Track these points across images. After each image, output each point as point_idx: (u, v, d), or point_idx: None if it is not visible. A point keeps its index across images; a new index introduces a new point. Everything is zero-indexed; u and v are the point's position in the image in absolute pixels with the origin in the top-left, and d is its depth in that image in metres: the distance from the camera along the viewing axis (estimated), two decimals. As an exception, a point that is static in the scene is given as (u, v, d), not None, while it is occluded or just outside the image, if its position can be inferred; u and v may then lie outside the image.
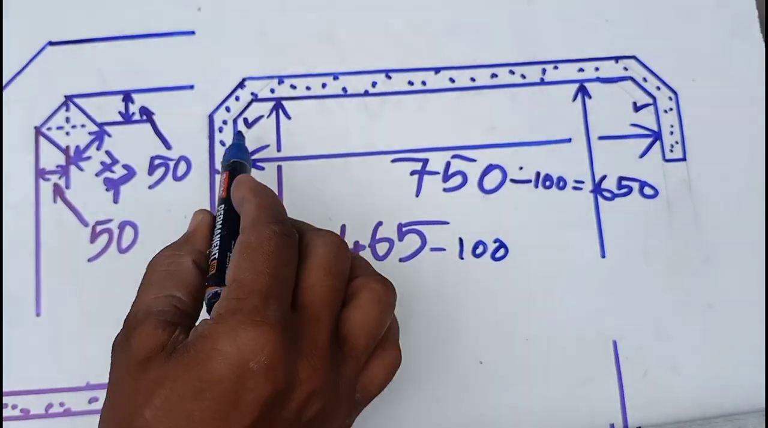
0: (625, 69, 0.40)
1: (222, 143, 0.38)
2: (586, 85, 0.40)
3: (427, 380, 0.36)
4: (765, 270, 0.38)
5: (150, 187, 0.38)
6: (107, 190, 0.38)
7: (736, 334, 0.37)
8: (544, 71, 0.40)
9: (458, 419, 0.36)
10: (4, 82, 0.39)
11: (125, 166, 0.38)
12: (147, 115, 0.39)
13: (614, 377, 0.36)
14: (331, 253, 0.27)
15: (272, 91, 0.39)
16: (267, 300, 0.24)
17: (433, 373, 0.36)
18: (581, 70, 0.40)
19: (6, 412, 0.35)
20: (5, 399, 0.35)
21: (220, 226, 0.30)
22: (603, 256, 0.38)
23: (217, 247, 0.29)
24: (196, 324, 0.26)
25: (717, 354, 0.37)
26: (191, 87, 0.39)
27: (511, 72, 0.40)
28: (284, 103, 0.39)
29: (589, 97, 0.40)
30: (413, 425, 0.36)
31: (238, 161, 0.33)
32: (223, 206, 0.31)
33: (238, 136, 0.35)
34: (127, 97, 0.39)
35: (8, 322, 0.36)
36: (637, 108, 0.40)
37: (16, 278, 0.37)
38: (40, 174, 0.38)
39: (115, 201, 0.38)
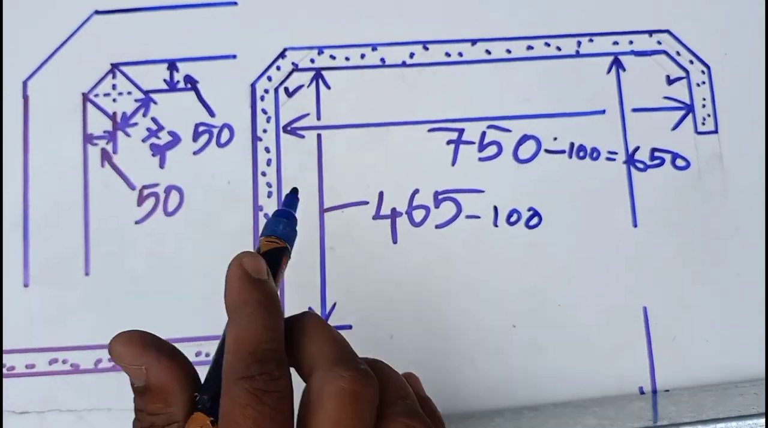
0: (659, 43, 0.41)
1: (264, 111, 0.39)
2: (621, 58, 0.40)
3: (463, 341, 0.37)
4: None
5: (194, 153, 0.39)
6: (153, 155, 0.39)
7: (762, 302, 0.38)
8: (579, 44, 0.40)
9: (491, 380, 0.37)
10: (52, 49, 0.40)
11: (170, 133, 0.39)
12: (192, 83, 0.40)
13: (644, 342, 0.37)
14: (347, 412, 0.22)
15: (312, 61, 0.40)
16: None
17: (468, 335, 0.38)
18: (616, 43, 0.41)
19: (56, 366, 0.37)
20: (55, 354, 0.37)
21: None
22: (635, 226, 0.39)
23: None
24: None
25: (743, 321, 0.38)
26: (234, 56, 0.40)
27: (547, 44, 0.40)
28: (324, 73, 0.40)
29: (624, 69, 0.40)
30: (449, 386, 0.37)
31: (280, 246, 0.27)
32: None
33: (292, 198, 0.30)
34: (171, 65, 0.40)
35: (58, 281, 0.38)
36: (670, 81, 0.40)
37: (65, 239, 0.38)
38: (88, 139, 0.39)
39: (161, 166, 0.39)
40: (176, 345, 0.37)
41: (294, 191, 0.30)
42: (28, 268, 0.38)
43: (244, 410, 0.21)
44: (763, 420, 0.33)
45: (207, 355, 0.37)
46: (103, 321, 0.37)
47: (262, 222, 0.38)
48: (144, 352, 0.24)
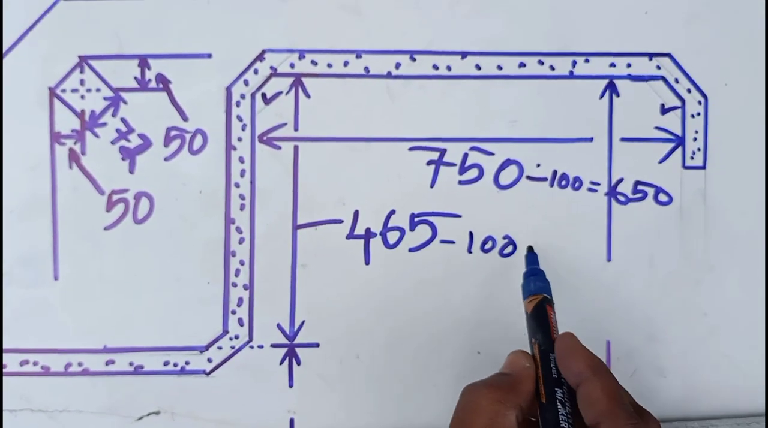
0: (658, 68, 0.39)
1: (239, 118, 0.38)
2: (616, 81, 0.39)
3: (428, 365, 0.38)
4: (765, 285, 0.39)
5: (166, 159, 0.38)
6: (123, 159, 0.38)
7: (724, 343, 0.39)
8: (574, 64, 0.38)
9: (452, 404, 0.38)
10: (16, 37, 0.37)
11: (141, 136, 0.38)
12: (164, 83, 0.38)
13: (603, 377, 0.38)
14: None
15: (292, 65, 0.38)
16: None
17: (433, 359, 0.38)
18: (613, 65, 0.38)
19: (27, 368, 0.37)
20: (26, 356, 0.37)
21: (562, 393, 0.29)
22: (609, 260, 0.39)
23: (564, 418, 0.28)
24: None
25: (704, 360, 0.39)
26: (209, 56, 0.38)
27: (540, 62, 0.38)
28: (304, 80, 0.38)
29: (617, 95, 0.39)
30: (411, 407, 0.38)
31: (547, 297, 0.33)
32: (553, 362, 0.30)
33: (532, 256, 0.36)
34: (143, 61, 0.38)
35: (27, 284, 0.37)
36: (664, 110, 0.39)
37: (34, 241, 0.37)
38: (56, 138, 0.38)
39: (131, 171, 0.38)
40: (144, 354, 0.38)
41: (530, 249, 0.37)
42: (-3, 269, 0.37)
43: None
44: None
45: (175, 365, 0.38)
46: (73, 326, 0.37)
47: (234, 235, 0.38)
48: None
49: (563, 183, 0.38)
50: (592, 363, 0.29)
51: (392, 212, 0.38)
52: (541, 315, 0.33)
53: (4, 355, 0.37)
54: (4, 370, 0.37)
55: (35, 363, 0.37)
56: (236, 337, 0.38)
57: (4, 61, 0.37)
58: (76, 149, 0.38)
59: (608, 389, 0.28)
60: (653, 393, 0.39)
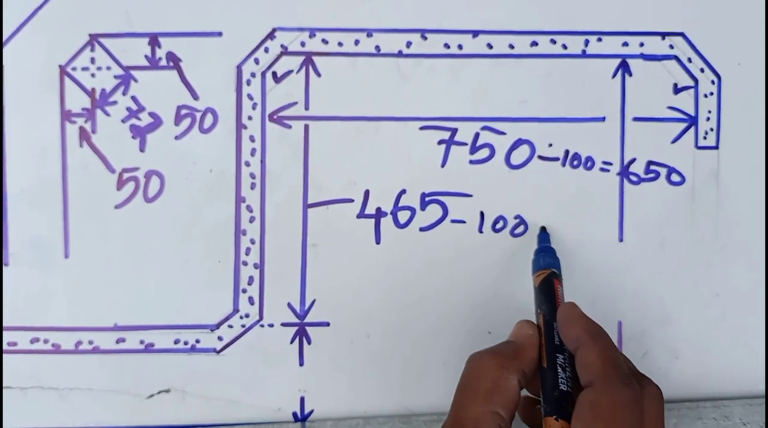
0: (671, 47, 0.38)
1: (250, 97, 0.38)
2: (629, 61, 0.38)
3: (438, 345, 0.38)
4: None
5: (176, 138, 0.38)
6: (133, 137, 0.38)
7: (736, 325, 0.39)
8: (587, 43, 0.38)
9: (463, 384, 0.38)
10: (27, 15, 0.37)
11: (151, 114, 0.38)
12: (174, 61, 0.37)
13: (615, 357, 0.38)
14: (662, 411, 0.28)
15: (303, 44, 0.38)
16: None
17: (443, 339, 0.38)
18: (625, 44, 0.38)
19: (38, 345, 0.37)
20: (37, 334, 0.37)
21: (563, 358, 0.30)
22: (621, 241, 0.38)
23: (564, 382, 0.29)
24: None
25: (715, 342, 0.39)
26: (219, 34, 0.38)
27: (553, 41, 0.38)
28: (315, 58, 0.38)
29: (630, 74, 0.38)
30: (420, 386, 0.38)
31: (555, 272, 0.34)
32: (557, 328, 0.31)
33: (544, 235, 0.37)
34: (153, 40, 0.37)
35: (37, 262, 0.37)
36: (677, 90, 0.38)
37: (44, 220, 0.37)
38: (66, 116, 0.38)
39: (142, 149, 0.38)
40: (154, 332, 0.38)
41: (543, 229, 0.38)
42: (8, 247, 0.37)
43: (623, 410, 0.27)
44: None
45: (185, 343, 0.38)
46: (83, 304, 0.38)
47: (245, 214, 0.38)
48: None
49: (575, 163, 0.38)
50: (590, 329, 0.30)
51: (403, 191, 0.38)
52: (548, 288, 0.33)
53: (15, 333, 0.37)
54: (15, 348, 0.37)
55: (46, 341, 0.37)
56: (246, 316, 0.38)
57: (15, 39, 0.37)
58: (87, 128, 0.38)
59: (604, 353, 0.29)
60: (665, 375, 0.38)
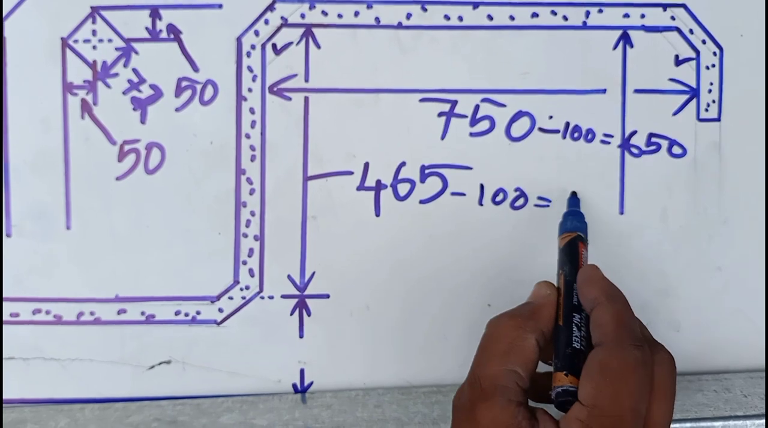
0: (672, 18, 0.38)
1: (250, 69, 0.38)
2: (630, 32, 0.38)
3: (437, 317, 0.38)
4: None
5: (177, 110, 0.38)
6: (134, 109, 0.38)
7: (738, 297, 0.38)
8: (587, 14, 0.38)
9: (461, 356, 0.38)
10: (29, -13, 0.37)
11: (152, 86, 0.38)
12: (175, 33, 0.38)
13: (615, 330, 0.38)
14: (674, 378, 0.28)
15: (302, 16, 0.38)
16: None
17: (443, 311, 0.38)
18: (627, 15, 0.38)
19: (40, 317, 0.38)
20: (39, 305, 0.38)
21: (579, 318, 0.30)
22: (621, 213, 0.38)
23: (578, 340, 0.29)
24: (545, 425, 0.27)
25: (716, 315, 0.38)
26: (220, 6, 0.38)
27: (553, 13, 0.38)
28: (314, 30, 0.38)
29: (631, 46, 0.38)
30: (420, 359, 0.38)
31: (581, 235, 0.34)
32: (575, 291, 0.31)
33: (573, 199, 0.37)
34: (154, 12, 0.38)
35: (39, 234, 0.38)
36: (678, 61, 0.38)
37: (46, 192, 0.38)
38: (68, 88, 0.38)
39: (143, 121, 0.38)
40: (155, 303, 0.38)
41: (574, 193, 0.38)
42: (10, 218, 0.38)
43: (634, 370, 0.27)
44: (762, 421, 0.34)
45: (186, 315, 0.38)
46: (84, 275, 0.38)
47: (245, 186, 0.38)
48: None
49: (576, 135, 0.38)
50: (608, 291, 0.30)
51: (403, 164, 0.38)
52: (572, 249, 0.33)
53: (17, 304, 0.38)
54: (17, 319, 0.38)
55: (48, 312, 0.38)
56: (247, 288, 0.38)
57: (17, 11, 0.37)
58: (88, 100, 0.38)
59: (618, 314, 0.29)
60: (666, 347, 0.38)
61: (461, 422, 0.28)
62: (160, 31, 0.38)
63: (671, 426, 0.33)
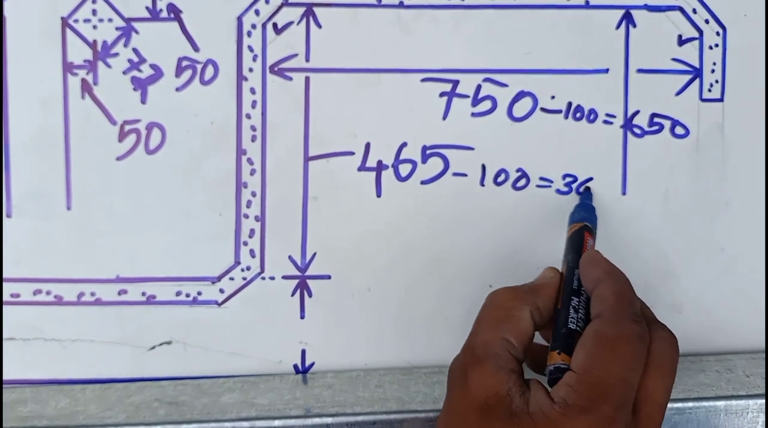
0: (676, -3, 0.38)
1: (251, 49, 0.38)
2: (632, 12, 0.38)
3: (438, 298, 0.38)
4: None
5: (177, 90, 0.38)
6: (135, 89, 0.38)
7: (741, 279, 0.38)
8: (590, -6, 0.38)
9: (462, 337, 0.38)
10: (29, -34, 0.37)
11: (153, 66, 0.38)
12: (175, 12, 0.37)
13: (617, 311, 0.38)
14: (674, 357, 0.28)
15: (304, -5, 0.38)
16: (617, 411, 0.25)
17: (444, 292, 0.38)
18: (629, -5, 0.38)
19: (40, 297, 0.38)
20: (39, 285, 0.38)
21: (578, 301, 0.30)
22: (624, 193, 0.38)
23: (574, 321, 0.29)
24: (535, 392, 0.27)
25: (719, 297, 0.38)
26: (220, -15, 0.37)
27: (556, -8, 0.38)
28: (315, 9, 0.38)
29: (634, 25, 0.38)
30: (421, 339, 0.38)
31: (588, 226, 0.34)
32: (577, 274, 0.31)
33: (586, 193, 0.37)
34: (154, -9, 0.37)
35: (39, 214, 0.37)
36: (681, 41, 0.38)
37: (47, 172, 0.37)
38: (68, 68, 0.38)
39: (143, 101, 0.38)
40: (156, 284, 0.38)
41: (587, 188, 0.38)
42: (11, 199, 0.38)
43: (629, 342, 0.27)
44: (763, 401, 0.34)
45: (187, 295, 0.38)
46: (85, 256, 0.38)
47: (246, 166, 0.38)
48: None
49: (578, 115, 0.38)
50: (612, 271, 0.30)
51: (404, 144, 0.38)
52: (577, 238, 0.33)
53: (18, 285, 0.38)
54: (17, 299, 0.38)
55: (48, 293, 0.38)
56: (248, 268, 0.38)
57: (17, -10, 0.37)
58: (89, 79, 0.38)
59: (619, 290, 0.29)
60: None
61: (454, 387, 0.28)
62: (161, 10, 0.37)
63: (674, 405, 0.33)
